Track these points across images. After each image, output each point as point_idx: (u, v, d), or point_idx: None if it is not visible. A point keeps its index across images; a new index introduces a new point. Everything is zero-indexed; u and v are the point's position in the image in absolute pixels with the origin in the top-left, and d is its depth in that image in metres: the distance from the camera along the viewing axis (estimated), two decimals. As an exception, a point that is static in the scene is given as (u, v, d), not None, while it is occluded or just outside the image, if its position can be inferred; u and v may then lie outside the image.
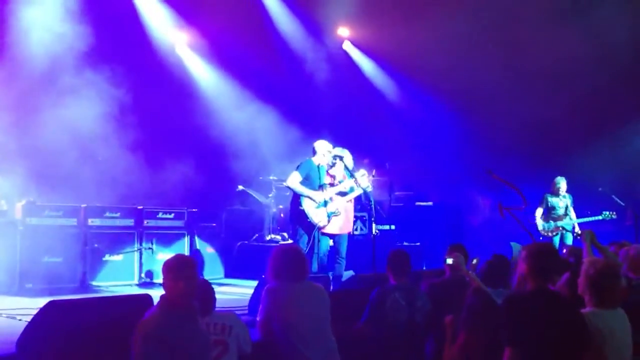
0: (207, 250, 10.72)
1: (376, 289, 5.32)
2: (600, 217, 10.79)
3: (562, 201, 10.98)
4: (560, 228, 10.89)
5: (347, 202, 8.91)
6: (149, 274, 9.66)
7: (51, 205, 9.03)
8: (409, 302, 5.23)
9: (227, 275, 10.88)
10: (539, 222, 10.99)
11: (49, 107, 9.62)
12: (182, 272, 3.99)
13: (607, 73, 11.52)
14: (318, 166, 8.71)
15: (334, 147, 8.88)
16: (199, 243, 10.59)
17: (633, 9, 11.35)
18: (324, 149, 8.73)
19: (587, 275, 4.18)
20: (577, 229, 10.75)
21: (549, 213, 10.99)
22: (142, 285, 9.53)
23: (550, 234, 10.92)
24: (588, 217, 10.87)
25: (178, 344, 3.83)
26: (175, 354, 3.80)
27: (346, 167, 8.74)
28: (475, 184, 12.53)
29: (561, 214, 10.94)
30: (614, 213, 10.68)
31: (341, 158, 8.73)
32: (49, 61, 9.72)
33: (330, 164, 8.86)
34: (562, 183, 10.97)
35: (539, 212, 11.04)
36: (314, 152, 8.76)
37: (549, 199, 10.99)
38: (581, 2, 11.91)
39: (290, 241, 9.87)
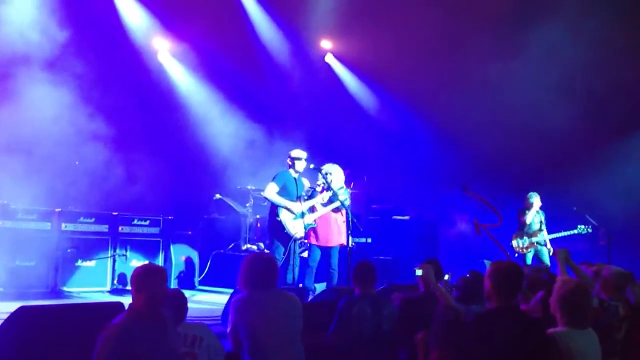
0: (182, 259, 10.66)
1: (343, 299, 5.36)
2: (575, 231, 10.64)
3: (536, 217, 10.78)
4: (535, 244, 10.69)
5: (339, 214, 8.95)
6: (122, 280, 9.57)
7: (25, 209, 8.93)
8: (375, 311, 5.28)
9: (201, 284, 10.82)
10: (513, 240, 10.79)
11: (24, 109, 9.53)
12: (145, 282, 3.97)
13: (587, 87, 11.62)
14: (295, 177, 8.75)
15: (325, 163, 8.93)
16: (174, 251, 10.53)
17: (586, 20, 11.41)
18: (296, 157, 8.75)
19: (559, 294, 4.22)
20: (548, 246, 10.60)
21: (523, 229, 10.79)
22: (113, 292, 9.44)
23: (524, 251, 10.72)
24: (563, 231, 10.71)
25: (139, 353, 3.80)
26: None
27: (325, 180, 8.77)
28: (452, 200, 12.59)
29: (535, 230, 10.74)
30: (589, 227, 10.54)
31: (324, 175, 8.76)
32: (25, 63, 9.63)
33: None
34: (534, 198, 10.77)
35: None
36: (288, 163, 8.78)
37: (526, 214, 10.73)
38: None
39: (267, 251, 9.84)
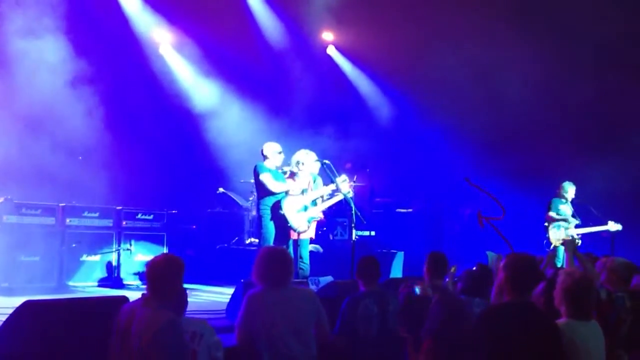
0: (186, 252, 10.67)
1: (346, 298, 5.28)
2: (605, 228, 10.06)
3: (569, 208, 10.20)
4: (570, 237, 9.86)
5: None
6: (111, 272, 9.61)
7: (29, 204, 8.95)
8: (381, 308, 5.20)
9: (205, 278, 10.80)
10: (550, 231, 10.08)
11: (28, 105, 9.54)
12: (161, 272, 4.00)
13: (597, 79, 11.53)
14: (275, 169, 8.50)
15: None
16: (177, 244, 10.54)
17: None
18: (273, 150, 8.60)
19: (563, 286, 4.21)
20: (577, 240, 9.78)
21: (557, 220, 10.10)
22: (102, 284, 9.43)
23: (559, 243, 9.88)
24: (592, 226, 10.14)
25: None
26: None
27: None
28: (456, 192, 12.57)
29: (571, 222, 10.10)
30: (620, 225, 10.03)
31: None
32: (27, 58, 9.64)
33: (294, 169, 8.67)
34: (569, 188, 10.19)
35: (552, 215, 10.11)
36: (264, 156, 8.60)
37: (558, 205, 10.17)
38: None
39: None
